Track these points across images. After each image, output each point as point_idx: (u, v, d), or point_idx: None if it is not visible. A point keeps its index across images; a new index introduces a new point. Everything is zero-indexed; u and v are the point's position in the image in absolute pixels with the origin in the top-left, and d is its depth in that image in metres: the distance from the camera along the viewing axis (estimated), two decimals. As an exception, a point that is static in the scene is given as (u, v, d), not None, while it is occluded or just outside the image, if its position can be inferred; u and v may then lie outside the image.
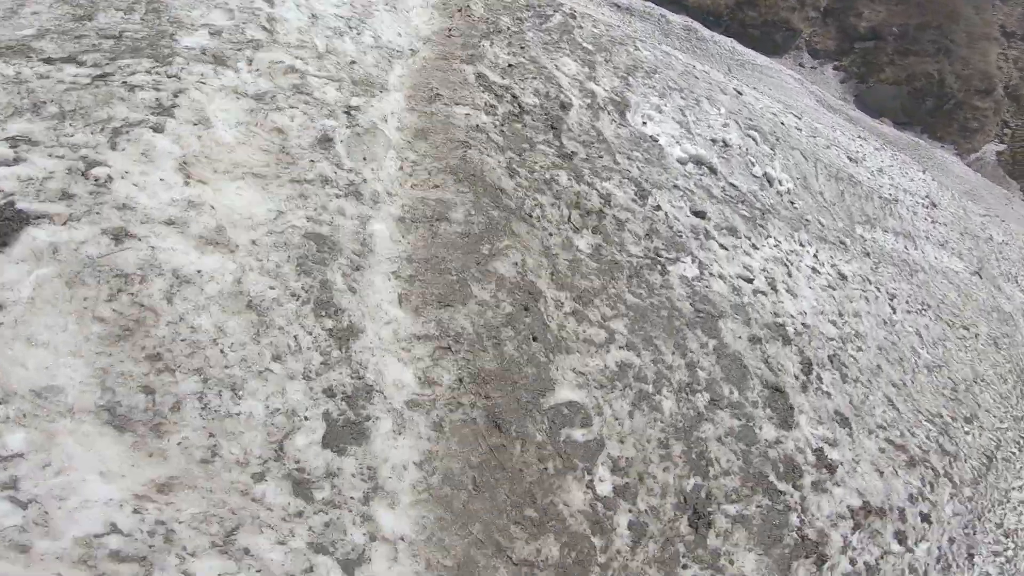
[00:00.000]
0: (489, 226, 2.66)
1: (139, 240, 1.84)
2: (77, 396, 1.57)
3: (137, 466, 1.54)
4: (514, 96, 3.50)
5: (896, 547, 3.12)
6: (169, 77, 2.49)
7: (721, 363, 2.89)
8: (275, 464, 1.71)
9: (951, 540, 3.71)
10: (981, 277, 7.79)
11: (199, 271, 1.88)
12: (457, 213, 2.66)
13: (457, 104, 3.24)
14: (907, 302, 5.13)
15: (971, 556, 3.87)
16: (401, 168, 2.77)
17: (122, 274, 1.76)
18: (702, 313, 3.01)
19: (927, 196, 9.16)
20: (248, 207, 2.15)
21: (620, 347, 2.60)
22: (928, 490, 3.50)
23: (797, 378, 3.19)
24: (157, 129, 2.17)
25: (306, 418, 1.81)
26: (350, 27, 3.21)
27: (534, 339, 2.38)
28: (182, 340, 1.74)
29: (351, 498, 1.77)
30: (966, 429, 4.39)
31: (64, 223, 1.80)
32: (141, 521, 1.48)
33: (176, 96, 2.35)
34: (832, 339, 3.65)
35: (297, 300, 2.01)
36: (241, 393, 1.74)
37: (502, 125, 3.29)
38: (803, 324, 3.50)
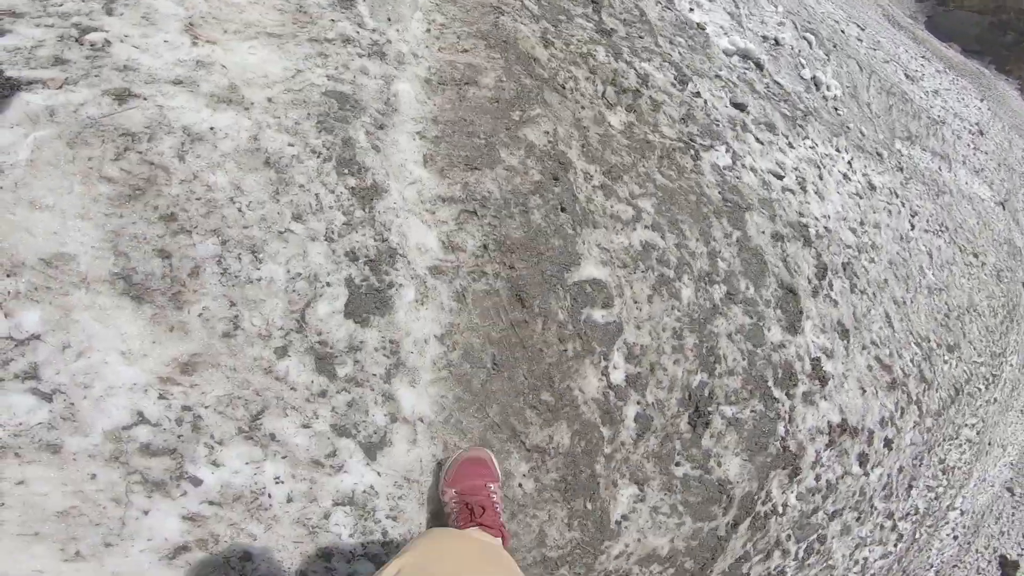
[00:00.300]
0: (520, 93, 2.47)
1: (144, 100, 1.68)
2: (90, 263, 1.47)
3: (159, 342, 1.49)
4: (550, -40, 3.11)
5: (856, 469, 3.37)
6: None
7: (742, 256, 2.88)
8: (297, 336, 1.67)
9: (900, 469, 4.01)
10: (1004, 208, 7.87)
11: (212, 128, 1.74)
12: (487, 78, 2.44)
13: (486, -38, 2.86)
14: (927, 221, 5.16)
15: (910, 488, 4.21)
16: (428, 30, 2.53)
17: (128, 133, 1.61)
18: (730, 203, 2.94)
19: (977, 123, 9.04)
20: (263, 65, 1.97)
21: (646, 226, 2.55)
22: (898, 415, 3.72)
23: (810, 282, 3.22)
24: (157, -9, 1.93)
25: (328, 284, 1.75)
26: None
27: (562, 209, 2.31)
28: (197, 199, 1.62)
29: (373, 375, 1.77)
30: (946, 358, 4.60)
31: (60, 87, 1.63)
32: (167, 408, 1.45)
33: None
34: (849, 247, 3.66)
35: (318, 157, 1.88)
36: (261, 256, 1.66)
37: (537, -6, 2.96)
38: (825, 227, 3.47)
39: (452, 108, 2.31)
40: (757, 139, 3.34)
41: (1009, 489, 6.41)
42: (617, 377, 2.25)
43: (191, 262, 1.57)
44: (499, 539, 1.60)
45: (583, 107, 2.69)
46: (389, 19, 2.42)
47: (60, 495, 1.30)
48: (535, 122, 2.42)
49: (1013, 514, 6.44)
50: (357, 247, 1.83)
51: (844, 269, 3.53)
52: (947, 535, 5.07)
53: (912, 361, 3.99)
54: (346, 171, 1.90)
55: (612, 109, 2.80)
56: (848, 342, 3.39)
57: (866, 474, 3.52)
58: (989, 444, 5.64)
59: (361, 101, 2.08)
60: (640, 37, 3.26)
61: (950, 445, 4.76)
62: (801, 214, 3.34)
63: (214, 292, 1.59)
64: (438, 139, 2.20)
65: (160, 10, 1.90)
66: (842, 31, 6.34)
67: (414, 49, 2.40)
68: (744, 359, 2.68)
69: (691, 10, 3.73)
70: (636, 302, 2.35)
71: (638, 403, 2.31)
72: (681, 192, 2.76)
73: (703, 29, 3.66)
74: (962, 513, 5.30)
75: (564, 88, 2.67)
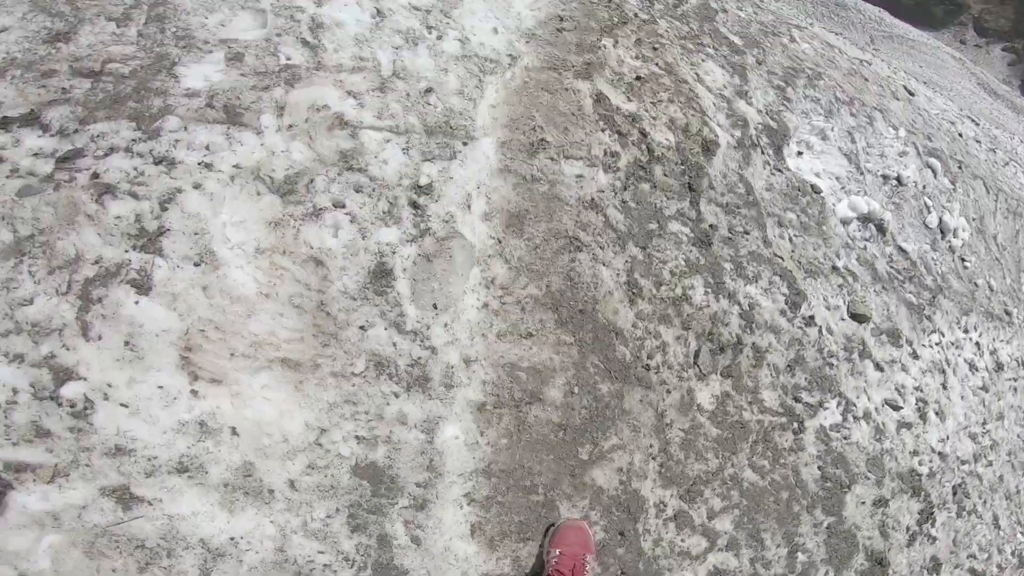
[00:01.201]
0: (595, 412, 2.22)
1: (150, 504, 1.60)
2: None
3: None
4: (643, 133, 2.61)
5: None
6: (156, 162, 1.86)
7: (829, 543, 2.69)
8: None
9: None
10: None
11: (232, 539, 1.67)
12: (554, 389, 2.19)
13: (568, 157, 2.43)
14: (1056, 376, 4.60)
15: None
16: (486, 305, 2.17)
17: (144, 546, 1.58)
18: (829, 483, 2.69)
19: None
20: (280, 422, 1.78)
21: (720, 549, 2.39)
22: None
23: (908, 530, 3.00)
24: (142, 288, 1.66)
25: None
26: (429, 27, 2.20)
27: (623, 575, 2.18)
28: (234, 625, 1.66)
29: None
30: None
31: (51, 480, 1.53)
32: None
33: (165, 207, 1.76)
34: (965, 462, 3.34)
35: (352, 567, 1.81)
36: None
37: (624, 190, 2.53)
38: (940, 455, 3.15)
39: (509, 447, 2.11)
40: (876, 364, 2.95)
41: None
42: None
43: None
44: None
45: (669, 390, 2.42)
46: (435, 306, 2.08)
47: None
48: (608, 458, 2.21)
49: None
50: (399, 663, 1.83)
51: (954, 494, 3.26)
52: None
53: (1013, 552, 3.78)
54: (383, 580, 1.83)
55: (704, 380, 2.51)
56: (939, 572, 3.22)
57: None
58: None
59: (398, 477, 1.90)
60: (745, 233, 2.79)
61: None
62: (915, 452, 3.03)
63: None
64: (489, 500, 2.05)
65: (147, 325, 1.64)
66: (959, 134, 5.66)
67: (466, 351, 2.10)
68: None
69: (799, 153, 3.15)
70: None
71: None
72: (771, 490, 2.53)
73: (818, 192, 3.11)
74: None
75: (649, 370, 2.38)
